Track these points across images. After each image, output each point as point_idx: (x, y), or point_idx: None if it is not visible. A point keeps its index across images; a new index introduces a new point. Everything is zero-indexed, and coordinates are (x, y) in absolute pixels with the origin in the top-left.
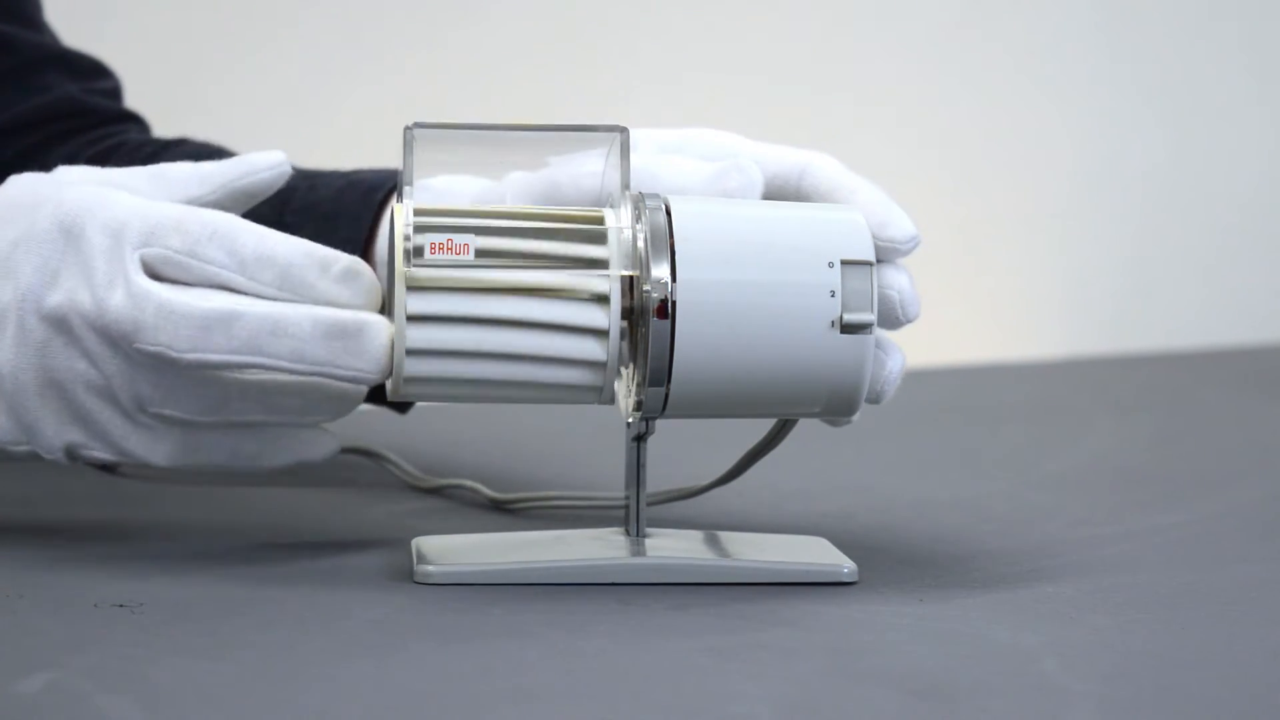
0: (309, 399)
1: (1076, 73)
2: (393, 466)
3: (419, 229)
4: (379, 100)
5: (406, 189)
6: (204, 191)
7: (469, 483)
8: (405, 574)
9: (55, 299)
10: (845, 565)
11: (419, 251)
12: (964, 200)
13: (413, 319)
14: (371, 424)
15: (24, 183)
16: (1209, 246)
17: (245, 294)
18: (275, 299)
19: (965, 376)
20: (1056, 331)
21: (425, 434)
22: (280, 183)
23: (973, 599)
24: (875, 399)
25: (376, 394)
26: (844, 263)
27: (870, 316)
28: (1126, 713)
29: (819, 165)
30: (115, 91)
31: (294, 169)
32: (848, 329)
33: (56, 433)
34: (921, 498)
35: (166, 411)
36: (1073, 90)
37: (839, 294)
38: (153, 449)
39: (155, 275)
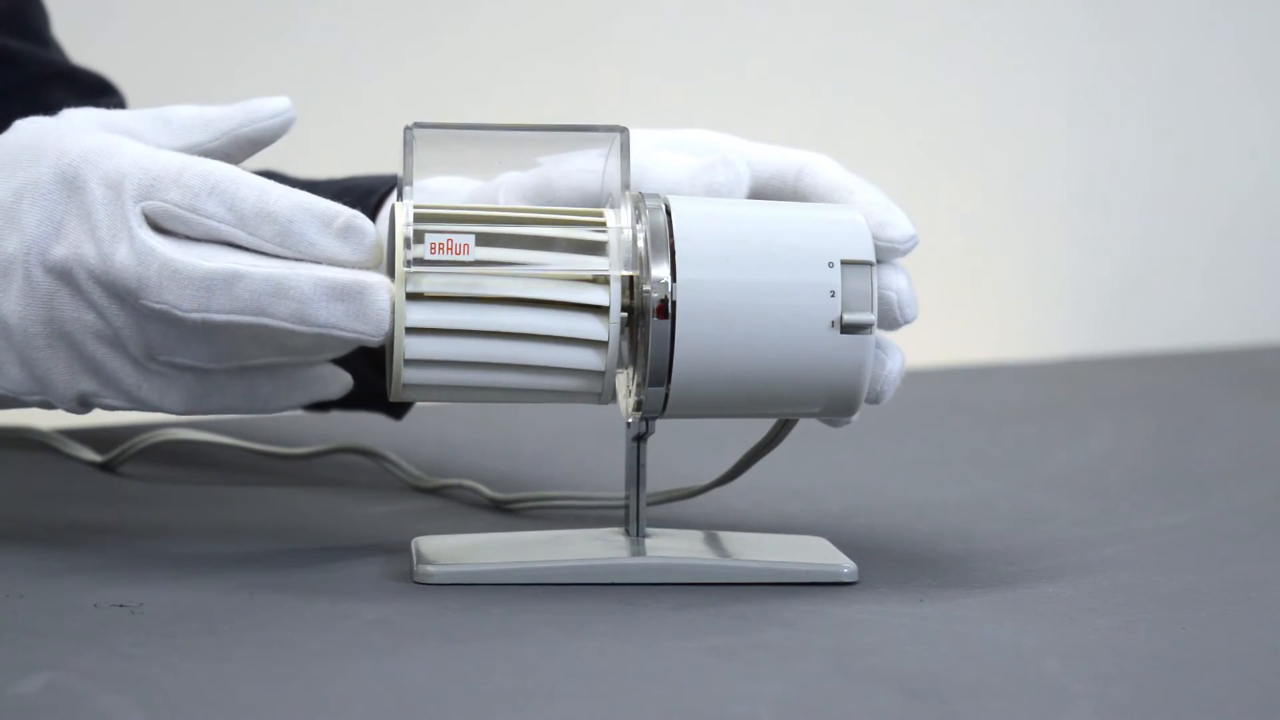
0: (323, 339)
1: (1077, 73)
2: (393, 466)
3: (419, 231)
4: (379, 100)
5: (406, 189)
6: (207, 138)
7: (469, 483)
8: (405, 574)
9: (60, 251)
10: (845, 565)
11: (419, 259)
12: (964, 200)
13: (411, 331)
14: (372, 424)
15: (29, 129)
16: (1209, 246)
17: (246, 249)
18: (277, 255)
19: (965, 376)
20: (1056, 331)
21: (425, 434)
22: (285, 130)
23: (973, 599)
24: (875, 399)
25: (373, 400)
26: (844, 263)
27: (870, 316)
28: (1126, 713)
29: (817, 165)
30: (121, 108)
31: (288, 179)
32: (848, 329)
33: (68, 383)
34: (921, 498)
35: (178, 360)
36: (1073, 90)
37: (839, 294)
38: (166, 396)
39: (157, 228)
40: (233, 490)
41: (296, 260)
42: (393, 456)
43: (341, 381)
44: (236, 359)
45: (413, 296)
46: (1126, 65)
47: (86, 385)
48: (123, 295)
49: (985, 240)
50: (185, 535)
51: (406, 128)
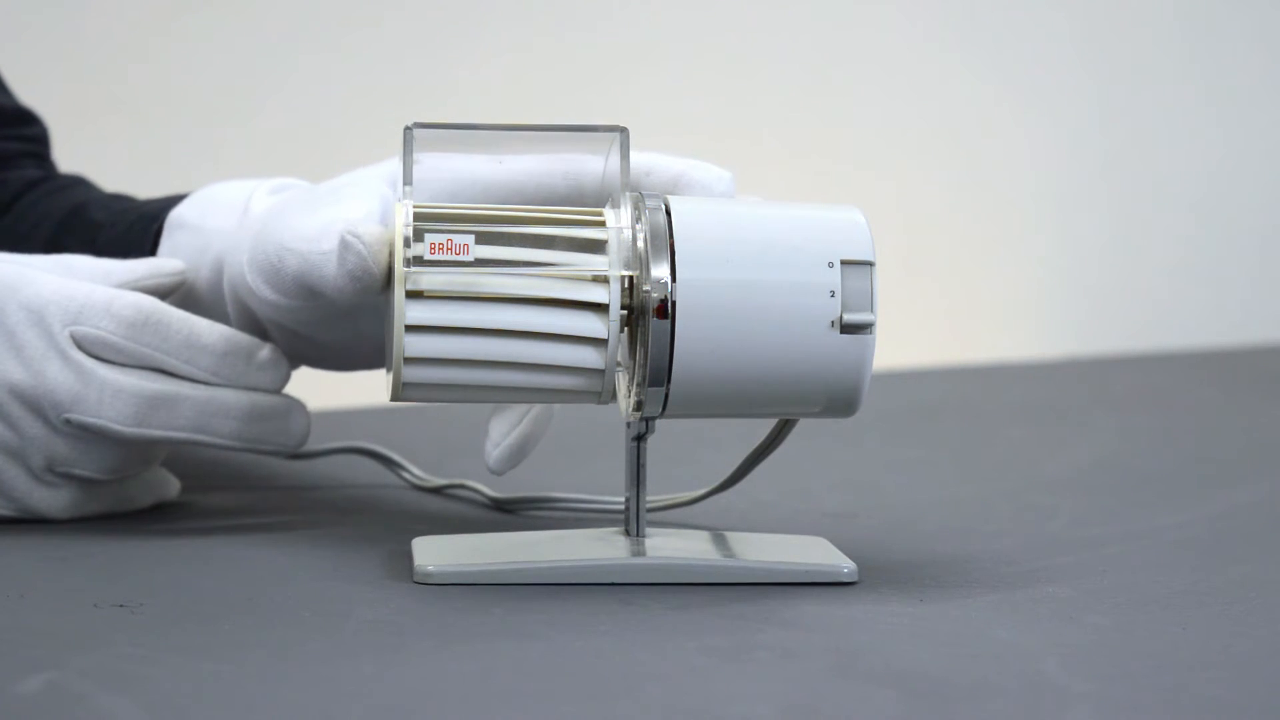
0: (249, 451)
1: (1080, 73)
2: (394, 466)
3: (419, 230)
4: (379, 99)
5: (406, 188)
6: (108, 286)
7: (469, 483)
8: (405, 574)
9: None
10: (845, 565)
11: (419, 258)
12: (965, 200)
13: (411, 329)
14: (372, 424)
15: None
16: (1211, 247)
17: (175, 375)
18: (208, 382)
19: (965, 376)
20: (1056, 331)
21: (425, 434)
22: (179, 289)
23: (973, 599)
24: None
25: None
26: (844, 263)
27: (870, 316)
28: (1126, 713)
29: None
30: (36, 138)
31: (102, 195)
32: (848, 329)
33: None
34: (921, 498)
35: (75, 471)
36: (1076, 91)
37: (839, 294)
38: (52, 504)
39: (85, 352)
40: (234, 490)
41: (222, 385)
42: (395, 456)
43: (174, 485)
44: (123, 471)
45: (412, 295)
46: (1133, 66)
47: None
48: (46, 408)
49: (986, 240)
50: (185, 535)
51: (406, 128)
